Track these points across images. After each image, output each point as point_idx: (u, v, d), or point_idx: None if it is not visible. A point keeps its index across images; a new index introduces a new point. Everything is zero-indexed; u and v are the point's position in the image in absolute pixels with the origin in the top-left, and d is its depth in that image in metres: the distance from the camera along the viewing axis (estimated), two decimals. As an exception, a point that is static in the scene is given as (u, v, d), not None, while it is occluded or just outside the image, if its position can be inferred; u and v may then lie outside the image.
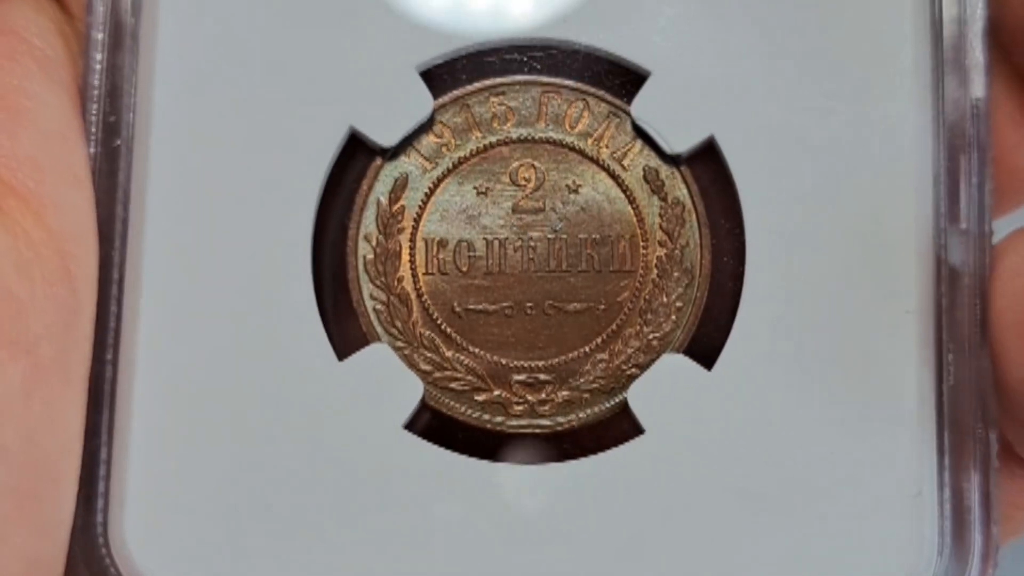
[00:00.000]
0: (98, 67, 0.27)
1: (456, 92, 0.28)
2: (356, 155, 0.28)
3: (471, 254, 0.28)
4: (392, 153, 0.28)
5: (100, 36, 0.27)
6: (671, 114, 0.28)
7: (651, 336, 0.28)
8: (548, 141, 0.28)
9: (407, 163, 0.28)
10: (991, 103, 0.28)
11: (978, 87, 0.27)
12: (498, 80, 0.28)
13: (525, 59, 0.28)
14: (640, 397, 0.27)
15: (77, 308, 0.26)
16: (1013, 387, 0.25)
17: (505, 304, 0.28)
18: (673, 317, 0.28)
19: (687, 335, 0.28)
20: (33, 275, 0.25)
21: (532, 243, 0.28)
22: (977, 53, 0.27)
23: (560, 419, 0.27)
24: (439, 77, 0.28)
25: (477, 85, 0.28)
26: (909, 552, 0.26)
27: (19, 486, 0.24)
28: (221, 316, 0.27)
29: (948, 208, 0.27)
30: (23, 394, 0.24)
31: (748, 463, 0.26)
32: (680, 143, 0.28)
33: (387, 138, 0.28)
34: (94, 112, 0.27)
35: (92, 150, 0.27)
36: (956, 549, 0.26)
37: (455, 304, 0.28)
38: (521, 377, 0.28)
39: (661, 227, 0.28)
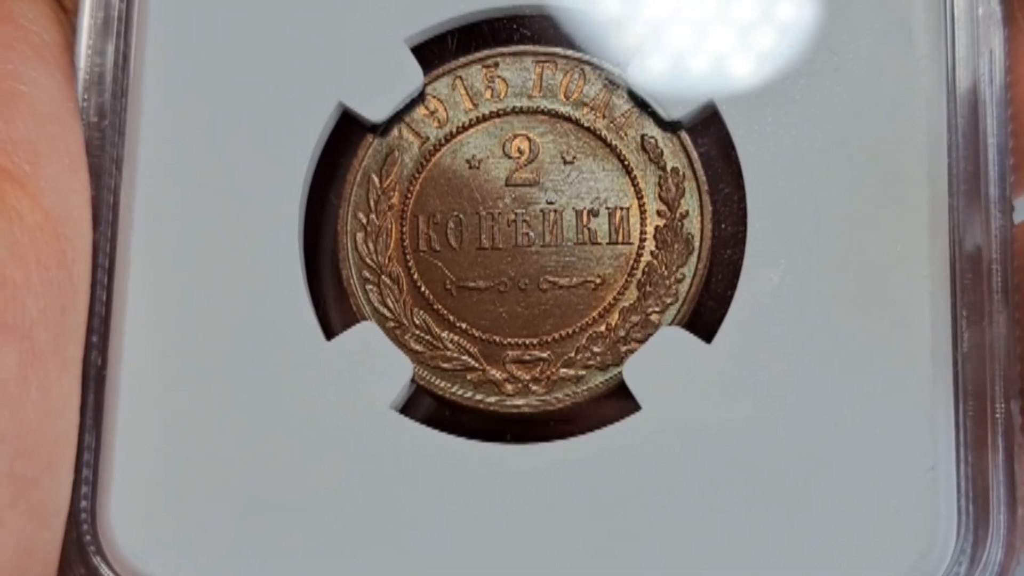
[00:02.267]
0: (86, 48, 0.27)
1: (448, 64, 0.28)
2: (346, 131, 0.28)
3: (463, 229, 0.27)
4: (383, 128, 0.27)
5: (88, 18, 0.27)
6: (669, 79, 0.27)
7: (650, 310, 0.26)
8: (542, 111, 0.27)
9: (398, 138, 0.27)
10: (1011, 58, 0.26)
11: (994, 40, 0.26)
12: (490, 51, 0.28)
13: (517, 27, 0.28)
14: (637, 372, 0.26)
15: (73, 292, 0.25)
16: None
17: (499, 280, 0.27)
18: (673, 290, 0.26)
19: (688, 308, 0.26)
20: (28, 259, 0.25)
21: (526, 217, 0.27)
22: (992, 3, 0.26)
23: (555, 397, 0.26)
24: (429, 49, 0.28)
25: (469, 57, 0.28)
26: (923, 529, 0.24)
27: (14, 472, 0.24)
28: (209, 298, 0.26)
29: (963, 172, 0.26)
30: (19, 380, 0.24)
31: (750, 439, 0.25)
32: (678, 109, 0.27)
33: (377, 113, 0.27)
34: (83, 94, 0.27)
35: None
36: (977, 528, 0.24)
37: (447, 281, 0.27)
38: (515, 355, 0.27)
39: (660, 197, 0.27)
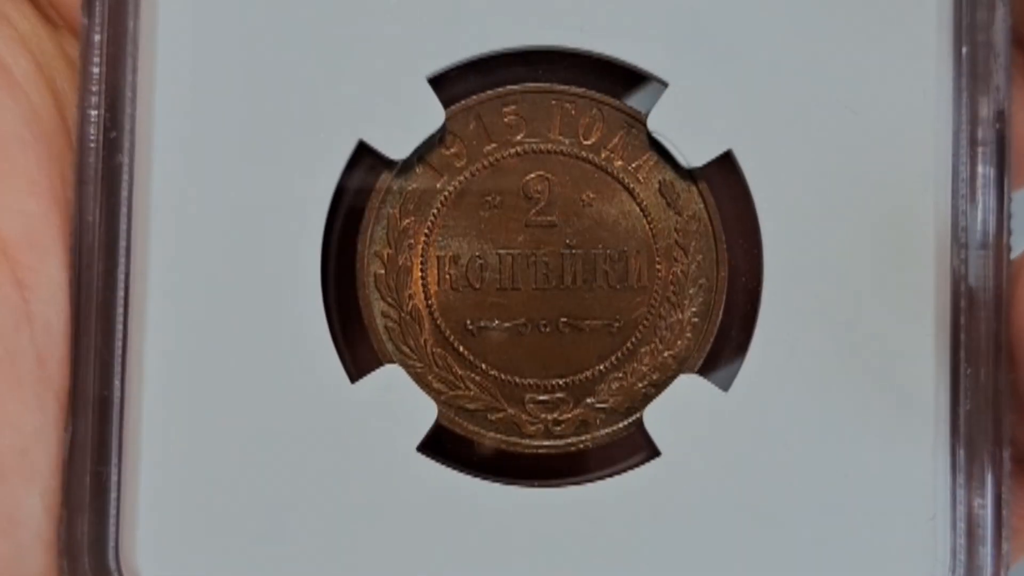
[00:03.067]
0: (96, 81, 0.26)
1: (467, 102, 0.28)
2: (366, 168, 0.27)
3: (484, 270, 0.27)
4: (402, 166, 0.27)
5: (99, 49, 0.26)
6: (688, 127, 0.27)
7: (666, 354, 0.27)
8: (561, 153, 0.28)
9: (418, 176, 0.28)
10: (1014, 104, 0.27)
11: (1001, 94, 0.27)
12: (510, 89, 0.28)
13: (538, 68, 0.28)
14: (656, 419, 0.27)
15: (28, 314, 0.25)
16: None
17: (518, 321, 0.27)
18: (688, 335, 0.27)
19: (702, 353, 0.27)
20: None
21: (545, 258, 0.27)
22: (1001, 59, 0.27)
23: (574, 439, 0.27)
24: (450, 87, 0.27)
25: (489, 94, 0.28)
26: (922, 573, 0.26)
27: None
28: (230, 337, 0.26)
29: (968, 223, 0.27)
30: None
31: (762, 487, 0.26)
32: (697, 157, 0.27)
33: (397, 151, 0.27)
34: (93, 129, 0.26)
35: (94, 165, 0.26)
36: (968, 567, 0.26)
37: (468, 321, 0.27)
38: (535, 396, 0.27)
39: (677, 242, 0.28)
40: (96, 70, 0.27)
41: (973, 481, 0.26)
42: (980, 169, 0.27)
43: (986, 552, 0.26)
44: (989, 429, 0.26)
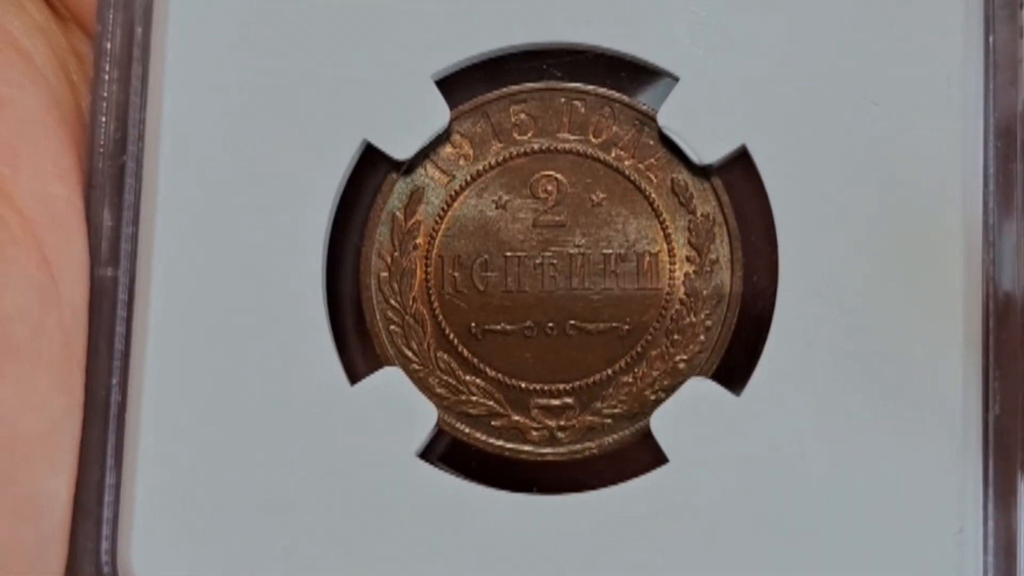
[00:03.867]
0: (106, 80, 0.27)
1: (474, 101, 0.27)
2: (370, 168, 0.27)
3: (489, 272, 0.27)
4: (408, 166, 0.27)
5: (108, 49, 0.27)
6: (701, 122, 0.26)
7: (677, 358, 0.26)
8: (571, 152, 0.27)
9: (423, 176, 0.27)
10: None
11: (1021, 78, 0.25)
12: (518, 87, 0.27)
13: (546, 65, 0.27)
14: (664, 424, 0.26)
15: (55, 295, 0.25)
16: None
17: (525, 324, 0.26)
18: (701, 338, 0.26)
19: (716, 358, 0.26)
20: (6, 255, 0.25)
21: (553, 260, 0.26)
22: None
23: (580, 446, 0.26)
24: (456, 86, 0.27)
25: (496, 93, 0.27)
26: (950, 594, 0.24)
27: None
28: (231, 338, 0.26)
29: (999, 223, 0.25)
30: None
31: (777, 497, 0.25)
32: (710, 153, 0.26)
33: (402, 151, 0.27)
34: (102, 130, 0.27)
35: (99, 166, 0.26)
36: (1002, 588, 0.24)
37: (472, 324, 0.27)
38: (540, 401, 0.26)
39: (689, 243, 0.26)
40: (107, 76, 0.27)
41: (1007, 494, 0.25)
42: (1012, 165, 0.25)
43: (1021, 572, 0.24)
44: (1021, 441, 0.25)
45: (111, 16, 0.27)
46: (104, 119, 0.27)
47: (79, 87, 0.27)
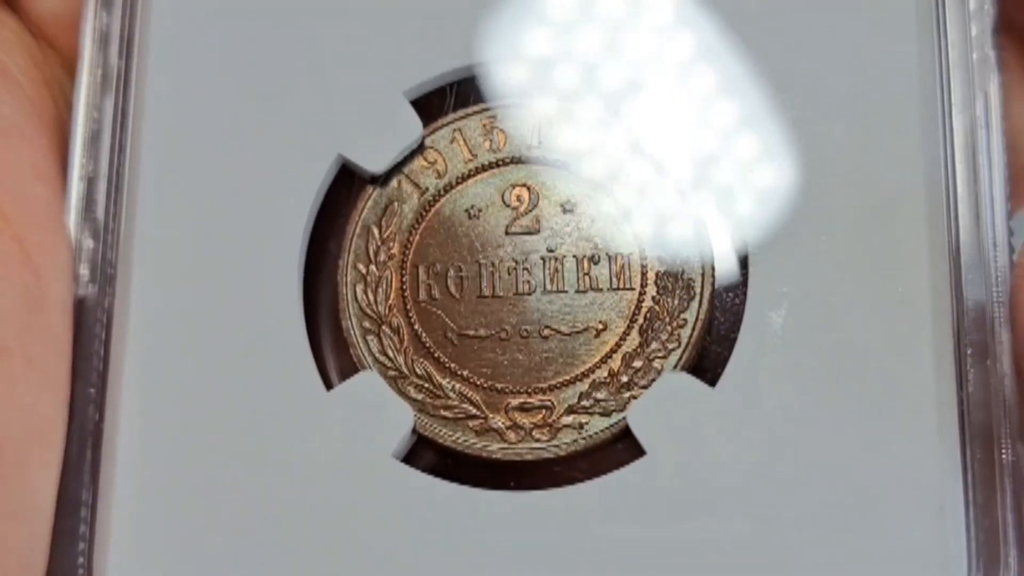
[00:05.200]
0: (84, 105, 0.27)
1: (447, 118, 0.28)
2: (346, 182, 0.28)
3: (463, 278, 0.27)
4: (382, 180, 0.28)
5: (86, 75, 0.27)
6: (665, 123, 0.27)
7: (653, 355, 0.26)
8: (540, 161, 0.27)
9: (397, 189, 0.28)
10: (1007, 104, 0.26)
11: (988, 81, 0.26)
12: (489, 104, 0.28)
13: (515, 78, 0.28)
14: (641, 418, 0.25)
15: (41, 296, 0.25)
16: None
17: (499, 328, 0.27)
18: (675, 334, 0.26)
19: (691, 352, 0.26)
20: None
21: (526, 265, 0.27)
22: (986, 49, 0.26)
23: (558, 444, 0.26)
24: (429, 101, 0.28)
25: (469, 110, 0.28)
26: (933, 571, 0.24)
27: None
28: (208, 347, 0.26)
29: (966, 209, 0.26)
30: None
31: (756, 484, 0.25)
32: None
33: (376, 164, 0.27)
34: (82, 151, 0.27)
35: (79, 182, 0.27)
36: (987, 569, 0.24)
37: (448, 330, 0.27)
38: (517, 402, 0.26)
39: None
40: (85, 99, 0.27)
41: (988, 475, 0.24)
42: (974, 170, 0.26)
43: (1009, 551, 0.24)
44: (1003, 421, 0.25)
45: (91, 38, 0.27)
46: (83, 136, 0.27)
47: (59, 96, 0.28)
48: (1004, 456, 0.25)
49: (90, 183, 0.27)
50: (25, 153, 0.26)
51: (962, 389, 0.25)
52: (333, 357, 0.27)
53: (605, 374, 0.26)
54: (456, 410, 0.26)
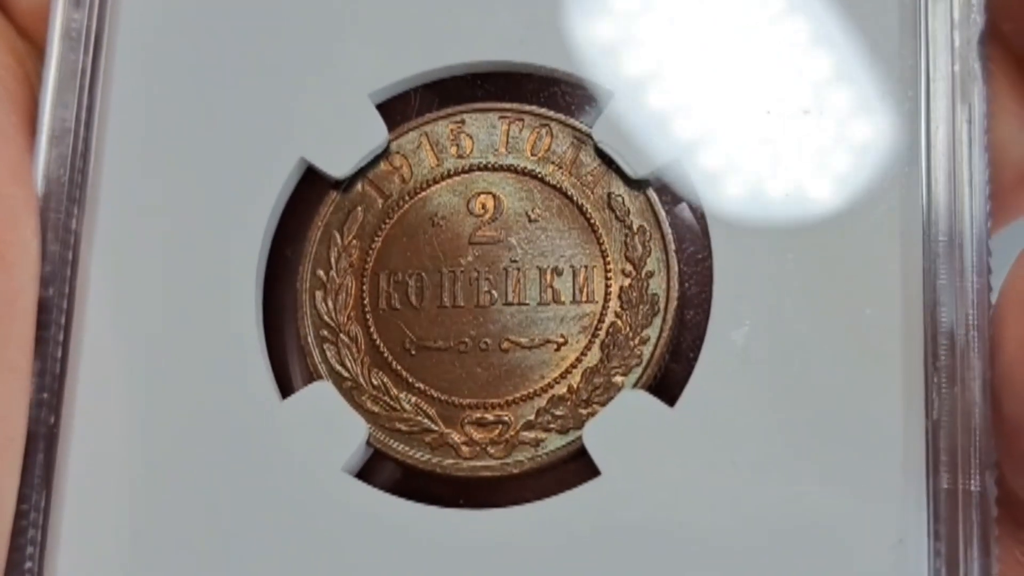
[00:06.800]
0: (50, 103, 0.27)
1: (413, 121, 0.27)
2: (308, 187, 0.27)
3: (424, 287, 0.26)
4: (346, 184, 0.27)
5: (53, 72, 0.27)
6: (635, 136, 0.26)
7: (613, 372, 0.26)
8: (508, 168, 0.27)
9: (360, 194, 0.27)
10: (991, 116, 0.25)
11: (971, 93, 0.25)
12: (456, 108, 0.27)
13: (482, 84, 0.27)
14: (596, 436, 0.25)
15: (14, 296, 0.25)
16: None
17: (459, 340, 0.26)
18: (637, 351, 0.26)
19: (652, 371, 0.25)
20: None
21: (489, 275, 0.26)
22: (971, 58, 0.25)
23: (513, 460, 0.25)
24: (394, 105, 0.27)
25: (435, 114, 0.27)
26: (889, 604, 0.23)
27: None
28: (164, 353, 0.26)
29: (943, 228, 0.25)
30: None
31: (711, 509, 0.24)
32: (645, 167, 0.26)
33: (340, 169, 0.27)
34: (47, 148, 0.27)
35: (40, 184, 0.26)
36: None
37: (406, 341, 0.26)
38: (473, 416, 0.26)
39: (625, 256, 0.26)
40: (50, 101, 0.27)
41: (952, 508, 0.23)
42: (954, 186, 0.25)
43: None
44: (969, 453, 0.24)
45: (59, 36, 0.27)
46: (45, 136, 0.27)
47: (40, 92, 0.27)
48: (971, 486, 0.24)
49: (54, 182, 0.27)
50: (5, 154, 0.26)
51: (928, 416, 0.24)
52: (292, 365, 0.27)
53: (564, 390, 0.26)
54: (412, 423, 0.26)
